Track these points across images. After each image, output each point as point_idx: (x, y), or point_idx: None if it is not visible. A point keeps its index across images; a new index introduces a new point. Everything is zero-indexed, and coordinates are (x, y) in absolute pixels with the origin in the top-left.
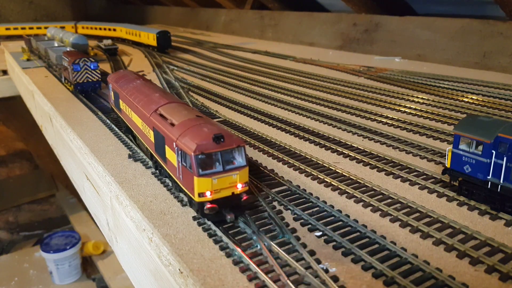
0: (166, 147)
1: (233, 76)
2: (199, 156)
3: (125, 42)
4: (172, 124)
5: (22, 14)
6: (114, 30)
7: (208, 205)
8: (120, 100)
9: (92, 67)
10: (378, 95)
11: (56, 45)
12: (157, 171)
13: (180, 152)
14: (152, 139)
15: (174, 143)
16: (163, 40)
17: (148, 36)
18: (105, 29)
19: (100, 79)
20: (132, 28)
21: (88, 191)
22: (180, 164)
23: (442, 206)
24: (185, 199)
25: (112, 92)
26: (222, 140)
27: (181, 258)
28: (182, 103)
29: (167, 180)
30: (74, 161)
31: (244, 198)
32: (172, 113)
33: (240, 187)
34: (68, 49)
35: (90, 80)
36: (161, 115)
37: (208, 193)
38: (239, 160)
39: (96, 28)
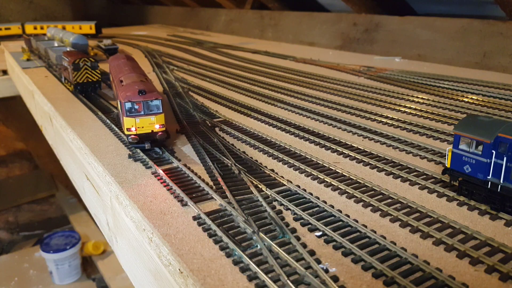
0: (118, 101)
1: (233, 76)
2: (126, 103)
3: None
4: (123, 86)
5: (22, 14)
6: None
7: (132, 136)
8: (110, 75)
9: (92, 67)
10: (378, 95)
11: (56, 45)
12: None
13: (119, 102)
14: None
15: (119, 97)
16: (98, 28)
17: (82, 27)
18: None
19: (100, 79)
20: (58, 23)
21: (88, 191)
22: (120, 110)
23: (442, 206)
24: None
25: (109, 71)
26: (144, 93)
27: (181, 258)
28: (142, 74)
29: (123, 137)
30: (74, 161)
31: (159, 134)
32: (127, 79)
33: (157, 127)
34: (68, 49)
35: (90, 80)
36: (121, 81)
37: (133, 129)
38: (157, 108)
39: None
